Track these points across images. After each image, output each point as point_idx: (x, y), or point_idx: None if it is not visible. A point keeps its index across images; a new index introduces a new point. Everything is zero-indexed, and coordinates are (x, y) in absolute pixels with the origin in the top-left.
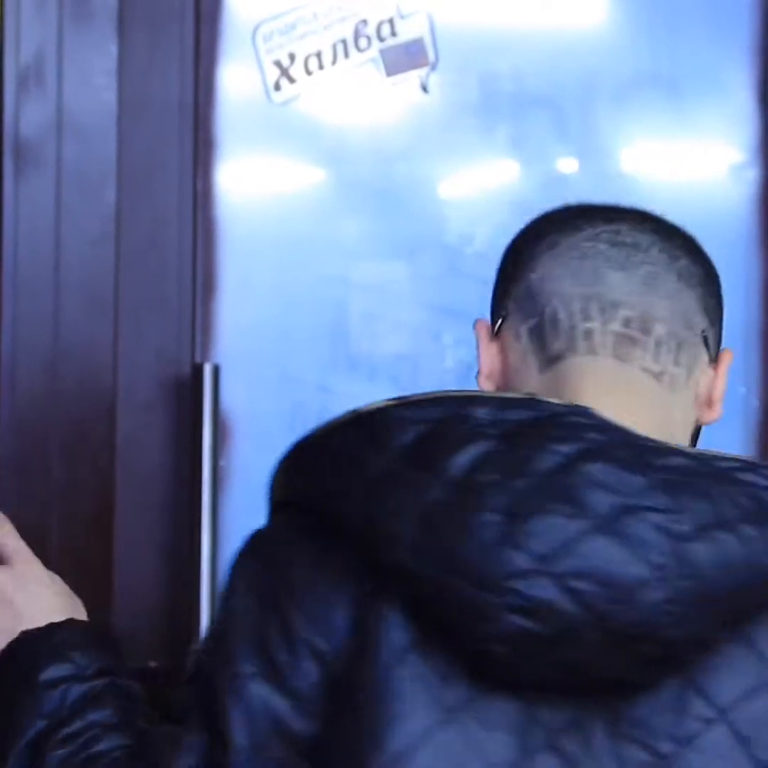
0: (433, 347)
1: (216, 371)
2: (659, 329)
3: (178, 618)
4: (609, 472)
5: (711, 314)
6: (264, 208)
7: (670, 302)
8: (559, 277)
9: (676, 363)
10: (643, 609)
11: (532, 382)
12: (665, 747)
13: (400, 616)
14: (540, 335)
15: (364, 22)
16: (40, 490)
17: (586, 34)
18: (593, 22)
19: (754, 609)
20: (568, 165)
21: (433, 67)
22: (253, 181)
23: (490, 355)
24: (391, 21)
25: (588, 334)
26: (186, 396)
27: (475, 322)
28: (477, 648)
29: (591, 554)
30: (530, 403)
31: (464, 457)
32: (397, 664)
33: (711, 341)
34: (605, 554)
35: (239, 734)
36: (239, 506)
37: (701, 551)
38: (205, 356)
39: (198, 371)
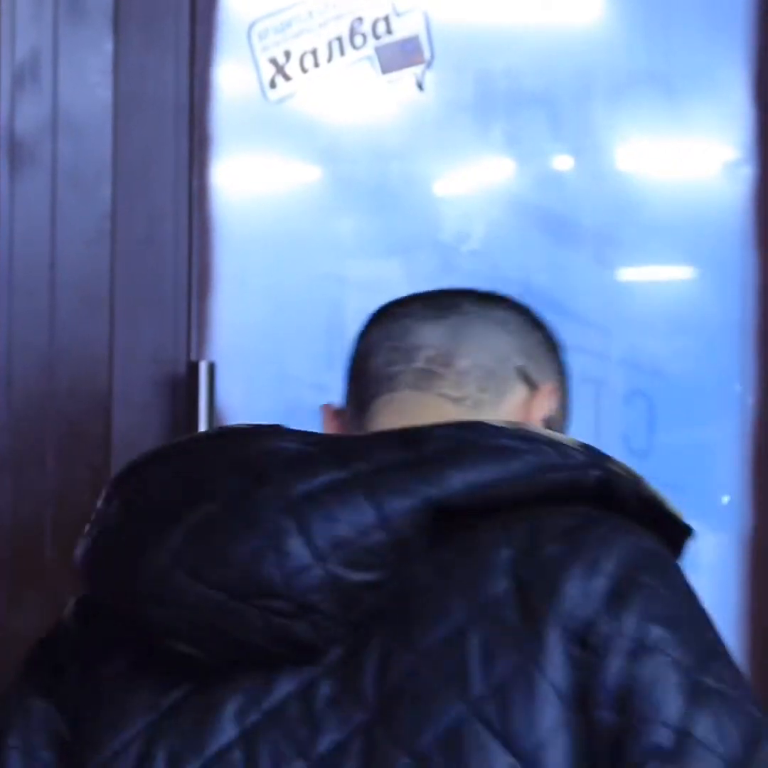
0: None
1: (212, 369)
2: (462, 362)
3: None
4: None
5: (534, 354)
6: (259, 206)
7: (478, 340)
8: (374, 340)
9: (482, 390)
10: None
11: (357, 424)
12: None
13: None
14: (357, 395)
15: (360, 19)
16: (35, 488)
17: (582, 32)
18: (588, 20)
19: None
20: (563, 163)
21: (429, 65)
22: (248, 179)
23: (342, 426)
24: (386, 19)
25: (392, 376)
26: (182, 394)
27: (321, 407)
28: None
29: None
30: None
31: None
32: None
33: (535, 376)
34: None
35: None
36: None
37: None
38: (200, 354)
39: (194, 369)
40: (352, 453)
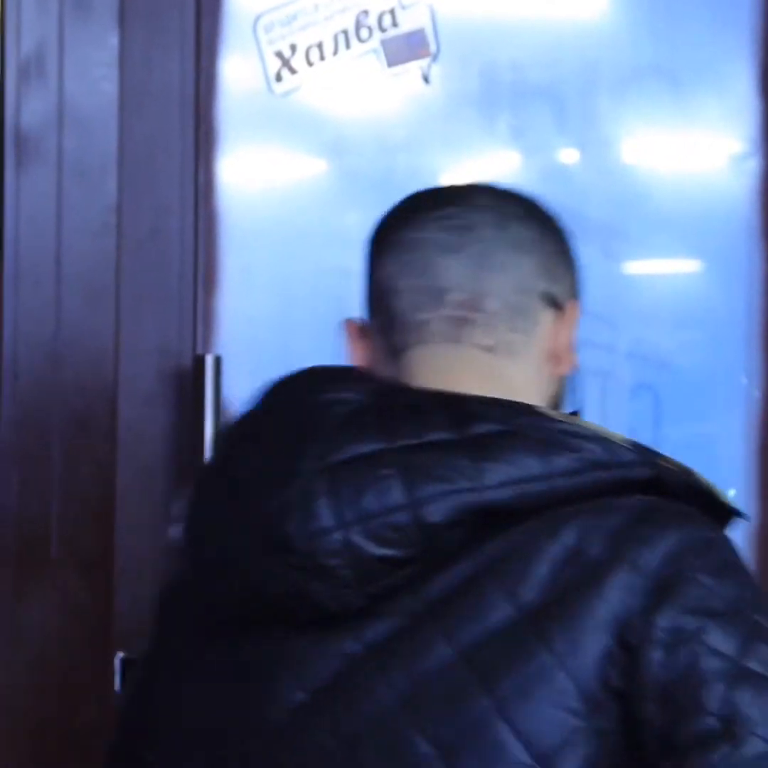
0: None
1: (218, 363)
2: (491, 304)
3: None
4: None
5: (554, 270)
6: (265, 199)
7: (503, 275)
8: (393, 274)
9: (513, 329)
10: None
11: (387, 369)
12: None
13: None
14: (385, 333)
15: (366, 12)
16: (41, 481)
17: (587, 25)
18: (594, 13)
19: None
20: (568, 156)
21: (435, 58)
22: (254, 172)
23: (358, 354)
24: (392, 11)
25: (421, 324)
26: (187, 387)
27: (343, 322)
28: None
29: None
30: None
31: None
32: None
33: (559, 296)
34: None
35: None
36: None
37: None
38: (206, 348)
39: (199, 363)
40: (402, 422)
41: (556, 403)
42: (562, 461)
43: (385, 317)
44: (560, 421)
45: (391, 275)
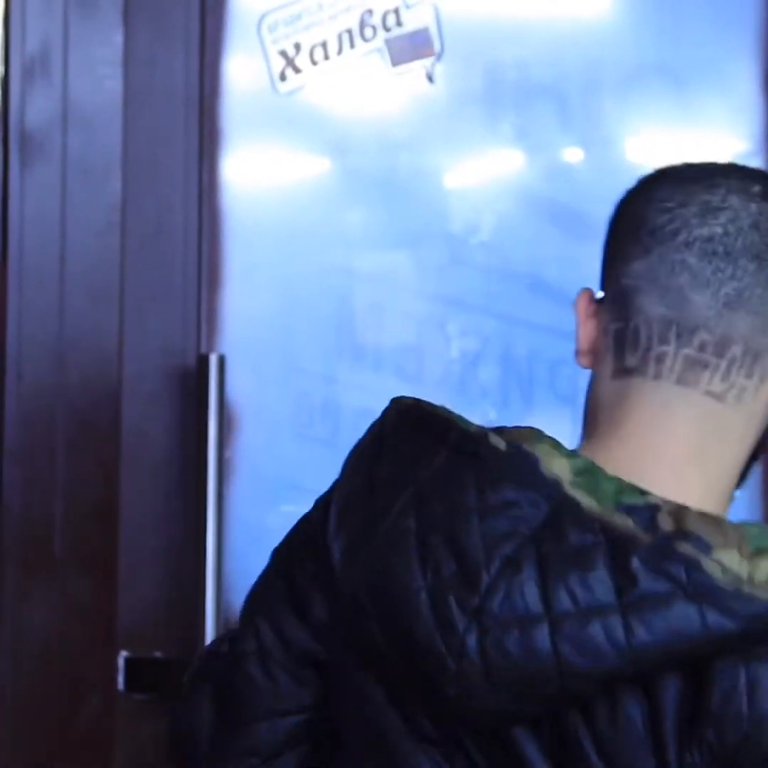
0: (437, 337)
1: (221, 362)
2: (736, 350)
3: (184, 609)
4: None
5: None
6: (269, 198)
7: (754, 318)
8: (646, 292)
9: (748, 376)
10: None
11: (605, 382)
12: None
13: None
14: (619, 343)
15: (370, 12)
16: (45, 480)
17: (591, 24)
18: (597, 12)
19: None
20: (572, 155)
21: (439, 57)
22: (258, 171)
23: (586, 333)
24: (396, 11)
25: (660, 357)
26: (191, 387)
27: (579, 293)
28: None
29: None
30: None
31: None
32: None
33: None
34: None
35: None
36: (245, 497)
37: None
38: (210, 347)
39: (203, 362)
40: (567, 579)
41: (765, 442)
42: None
43: (623, 328)
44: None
45: (642, 291)
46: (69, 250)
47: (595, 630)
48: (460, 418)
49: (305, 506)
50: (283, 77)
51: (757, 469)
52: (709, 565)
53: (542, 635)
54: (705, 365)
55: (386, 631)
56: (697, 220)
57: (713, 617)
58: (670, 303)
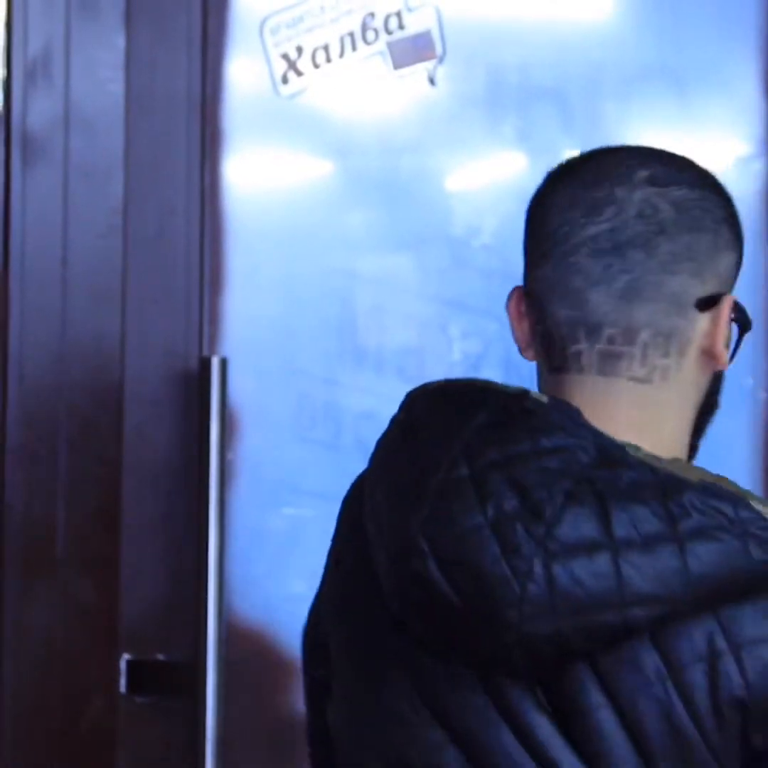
0: (439, 340)
1: (223, 364)
2: (644, 335)
3: (186, 610)
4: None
5: (707, 268)
6: (271, 201)
7: (654, 303)
8: (551, 296)
9: (666, 355)
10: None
11: (545, 377)
12: None
13: None
14: (543, 344)
15: (372, 15)
16: (47, 482)
17: (593, 26)
18: (599, 15)
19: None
20: None
21: (441, 60)
22: (260, 174)
23: (523, 330)
24: (398, 14)
25: (576, 355)
26: (193, 389)
27: (511, 292)
28: None
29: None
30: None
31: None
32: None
33: (713, 292)
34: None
35: None
36: (247, 499)
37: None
38: (212, 349)
39: (205, 364)
40: (618, 510)
41: (714, 400)
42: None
43: (542, 327)
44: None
45: (548, 298)
46: (71, 253)
47: (656, 557)
48: (495, 383)
49: (307, 509)
50: (285, 80)
51: (756, 468)
52: (755, 503)
53: (606, 561)
54: (619, 355)
55: (447, 570)
56: (585, 219)
57: (756, 551)
58: (572, 305)
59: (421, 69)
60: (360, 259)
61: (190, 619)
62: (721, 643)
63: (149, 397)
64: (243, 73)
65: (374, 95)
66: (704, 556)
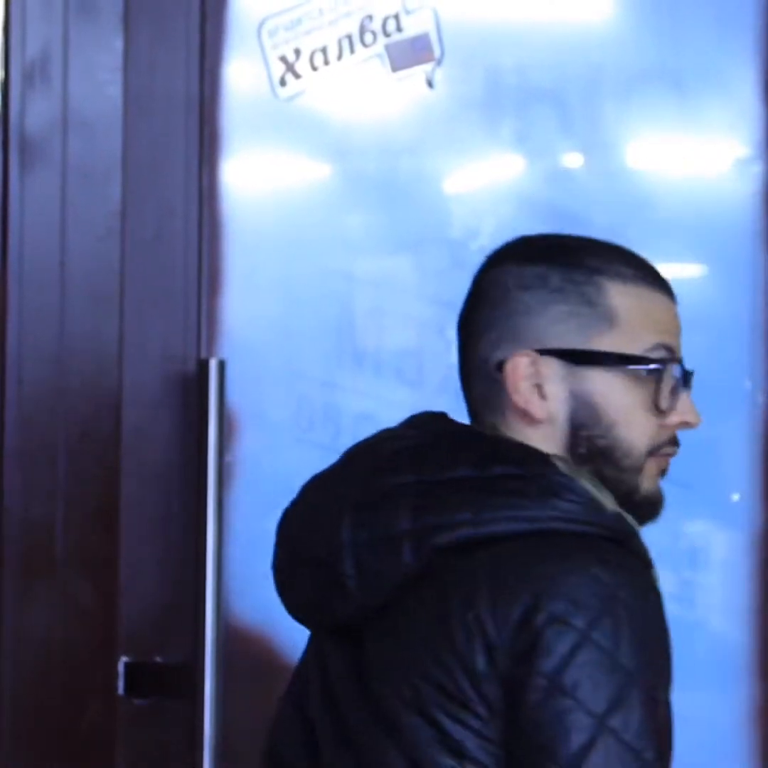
0: (438, 342)
1: (221, 367)
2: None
3: (184, 613)
4: None
5: (509, 334)
6: (269, 203)
7: (474, 374)
8: (459, 359)
9: (492, 414)
10: None
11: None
12: None
13: None
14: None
15: (370, 17)
16: (46, 484)
17: (591, 29)
18: (598, 17)
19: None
20: (572, 160)
21: (439, 62)
22: (258, 177)
23: None
24: (396, 16)
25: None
26: (191, 391)
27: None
28: None
29: None
30: None
31: None
32: None
33: (504, 358)
34: None
35: None
36: (245, 501)
37: None
38: (210, 352)
39: (203, 367)
40: (435, 458)
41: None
42: (551, 511)
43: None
44: (563, 476)
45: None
46: (69, 255)
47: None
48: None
49: None
50: (283, 82)
51: (755, 471)
52: None
53: None
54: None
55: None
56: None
57: None
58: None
59: (420, 71)
60: (358, 261)
61: (189, 620)
62: None
63: (148, 399)
64: (241, 75)
65: (372, 97)
66: None
